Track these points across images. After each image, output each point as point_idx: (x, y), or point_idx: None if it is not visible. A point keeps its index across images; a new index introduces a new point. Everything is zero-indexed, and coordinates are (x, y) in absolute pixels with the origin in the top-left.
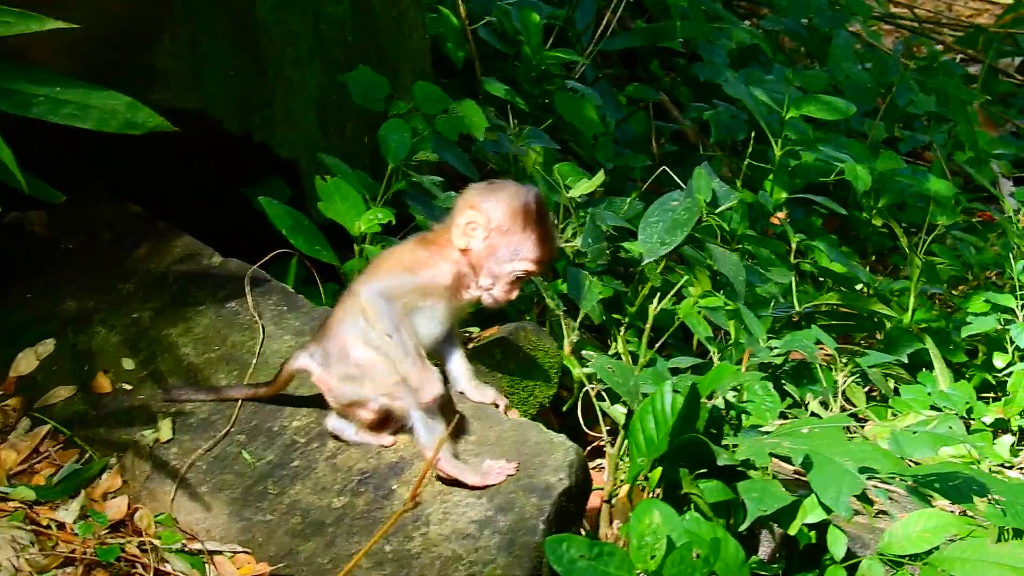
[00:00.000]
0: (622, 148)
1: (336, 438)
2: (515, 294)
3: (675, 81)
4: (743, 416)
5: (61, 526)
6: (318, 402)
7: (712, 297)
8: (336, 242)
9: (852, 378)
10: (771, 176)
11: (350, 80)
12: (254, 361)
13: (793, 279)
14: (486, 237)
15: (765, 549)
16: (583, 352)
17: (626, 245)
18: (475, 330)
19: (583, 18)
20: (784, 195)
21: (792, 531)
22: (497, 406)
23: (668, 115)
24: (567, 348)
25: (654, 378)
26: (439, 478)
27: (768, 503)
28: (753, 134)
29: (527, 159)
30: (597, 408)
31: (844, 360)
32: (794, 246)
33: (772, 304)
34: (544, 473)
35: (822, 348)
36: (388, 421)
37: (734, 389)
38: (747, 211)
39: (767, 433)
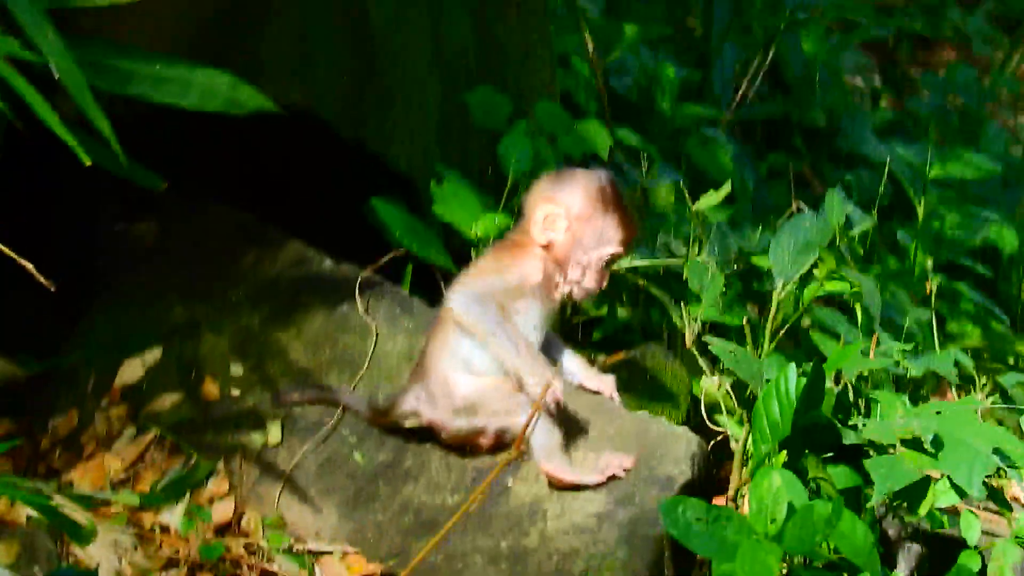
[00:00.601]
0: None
1: None
2: (605, 282)
3: (816, 155)
4: (872, 404)
5: (165, 529)
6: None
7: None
8: (450, 250)
9: (991, 398)
10: (914, 242)
11: (472, 99)
12: (366, 362)
13: (932, 316)
14: (568, 227)
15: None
16: (703, 338)
17: (755, 260)
18: (601, 356)
19: (720, 82)
20: (930, 261)
21: (922, 511)
22: (613, 399)
23: (808, 185)
24: (688, 339)
25: (778, 362)
26: (557, 488)
27: (897, 479)
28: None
29: (657, 191)
30: (721, 402)
31: (983, 381)
32: (933, 287)
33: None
34: (665, 465)
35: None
36: (504, 441)
37: (861, 377)
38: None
39: None
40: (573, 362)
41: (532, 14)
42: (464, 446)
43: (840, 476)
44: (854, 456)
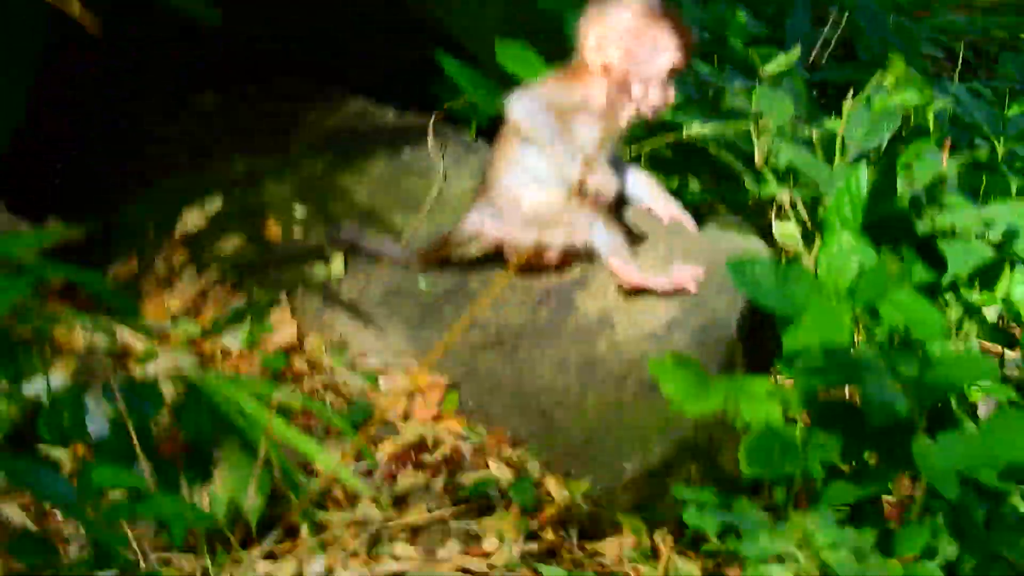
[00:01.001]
0: None
1: None
2: (672, 94)
3: None
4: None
5: (227, 354)
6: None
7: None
8: None
9: None
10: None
11: None
12: (431, 198)
13: None
14: (620, 45)
15: None
16: (774, 144)
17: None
18: None
19: (793, 39)
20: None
21: (998, 292)
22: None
23: None
24: (758, 156)
25: (848, 167)
26: (624, 290)
27: (972, 258)
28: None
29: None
30: (793, 219)
31: None
32: None
33: None
34: None
35: None
36: (573, 257)
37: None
38: None
39: None
40: (639, 183)
41: None
42: (531, 264)
43: (916, 270)
44: (929, 252)
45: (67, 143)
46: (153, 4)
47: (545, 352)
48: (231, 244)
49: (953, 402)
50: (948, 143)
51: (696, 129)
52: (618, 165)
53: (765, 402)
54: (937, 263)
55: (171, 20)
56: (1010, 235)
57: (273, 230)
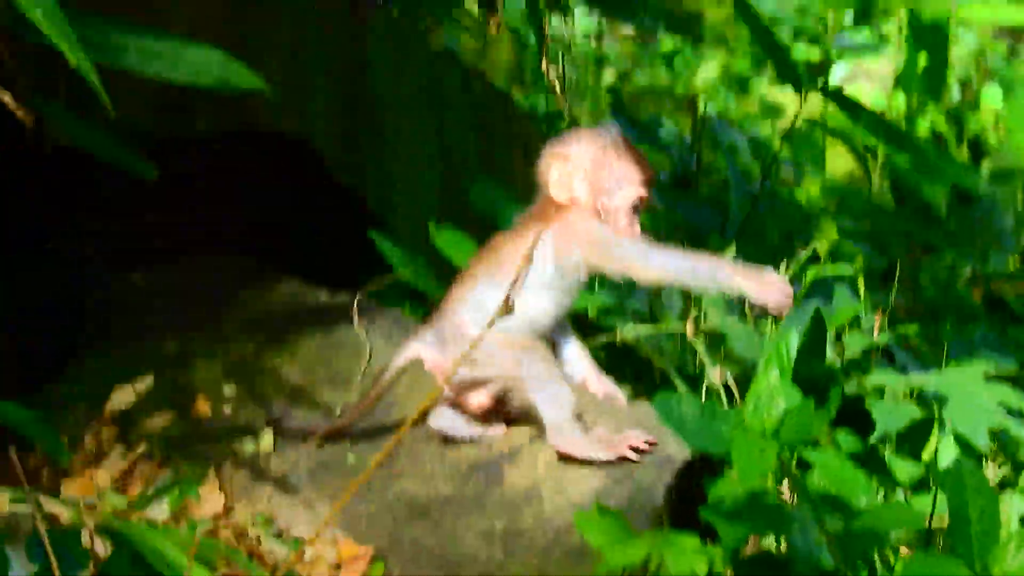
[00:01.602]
0: None
1: (445, 439)
2: (637, 227)
3: None
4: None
5: (152, 524)
6: None
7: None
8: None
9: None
10: None
11: (472, 189)
12: (359, 377)
13: None
14: (583, 178)
15: None
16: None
17: None
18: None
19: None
20: None
21: (925, 456)
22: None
23: None
24: (689, 329)
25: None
26: (563, 458)
27: (899, 419)
28: None
29: None
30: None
31: None
32: None
33: None
34: (666, 447)
35: None
36: (500, 408)
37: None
38: None
39: None
40: (575, 354)
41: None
42: (465, 405)
43: (845, 440)
44: (858, 420)
45: None
46: (87, 173)
47: (471, 523)
48: (160, 421)
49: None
50: (879, 314)
51: (629, 333)
52: (564, 328)
53: (691, 556)
54: (863, 424)
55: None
56: (939, 401)
57: (202, 408)
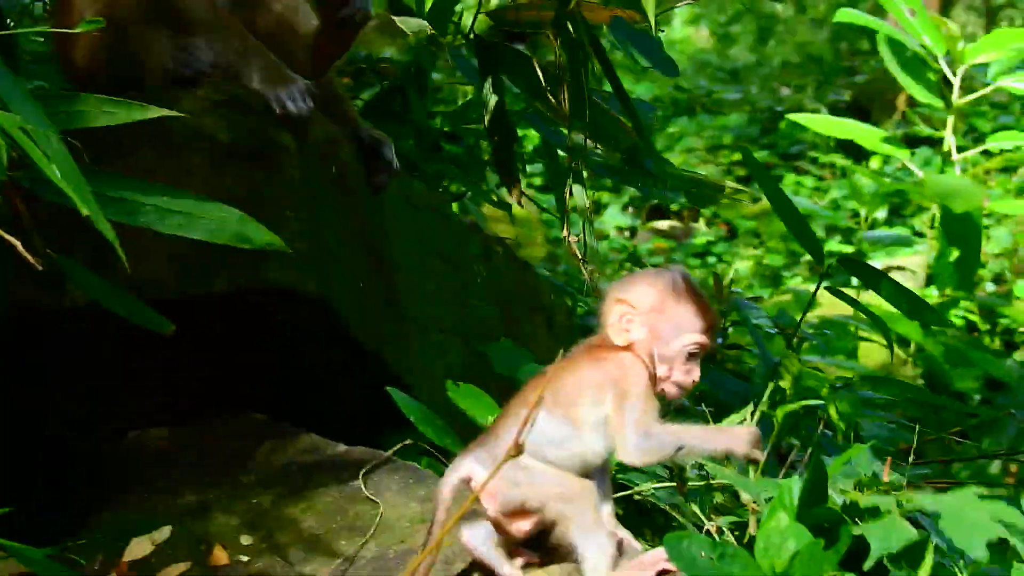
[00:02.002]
0: None
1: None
2: (696, 374)
3: None
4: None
5: None
6: None
7: None
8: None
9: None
10: None
11: (492, 351)
12: (375, 525)
13: None
14: (643, 323)
15: None
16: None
17: None
18: None
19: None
20: None
21: (922, 574)
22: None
23: None
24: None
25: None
26: None
27: (895, 539)
28: None
29: None
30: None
31: None
32: None
33: None
34: None
35: None
36: (537, 539)
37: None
38: None
39: None
40: (608, 508)
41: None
42: (506, 527)
43: None
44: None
45: (16, 472)
46: (112, 331)
47: None
48: (177, 571)
49: None
50: (889, 461)
51: (647, 488)
52: (604, 472)
53: None
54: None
55: (127, 351)
56: (937, 517)
57: (220, 557)
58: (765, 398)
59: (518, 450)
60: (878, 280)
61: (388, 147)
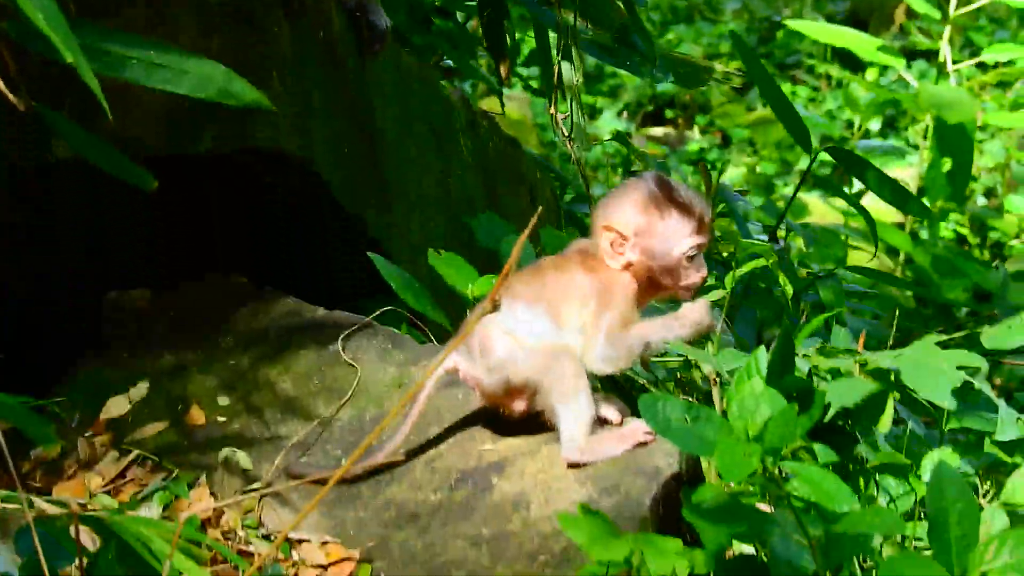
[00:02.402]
0: None
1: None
2: (703, 270)
3: None
4: None
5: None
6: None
7: None
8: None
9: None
10: None
11: (475, 223)
12: (352, 388)
13: None
14: (634, 245)
15: None
16: None
17: None
18: None
19: None
20: None
21: (883, 428)
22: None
23: None
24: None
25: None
26: (572, 466)
27: (853, 394)
28: None
29: None
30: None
31: None
32: None
33: None
34: (654, 458)
35: None
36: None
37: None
38: None
39: None
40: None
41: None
42: (500, 408)
43: (823, 452)
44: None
45: None
46: (93, 191)
47: (459, 528)
48: (154, 429)
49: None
50: (863, 336)
51: None
52: None
53: (672, 557)
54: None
55: (109, 210)
56: (899, 372)
57: (196, 417)
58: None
59: (494, 306)
60: (864, 169)
61: (380, 16)
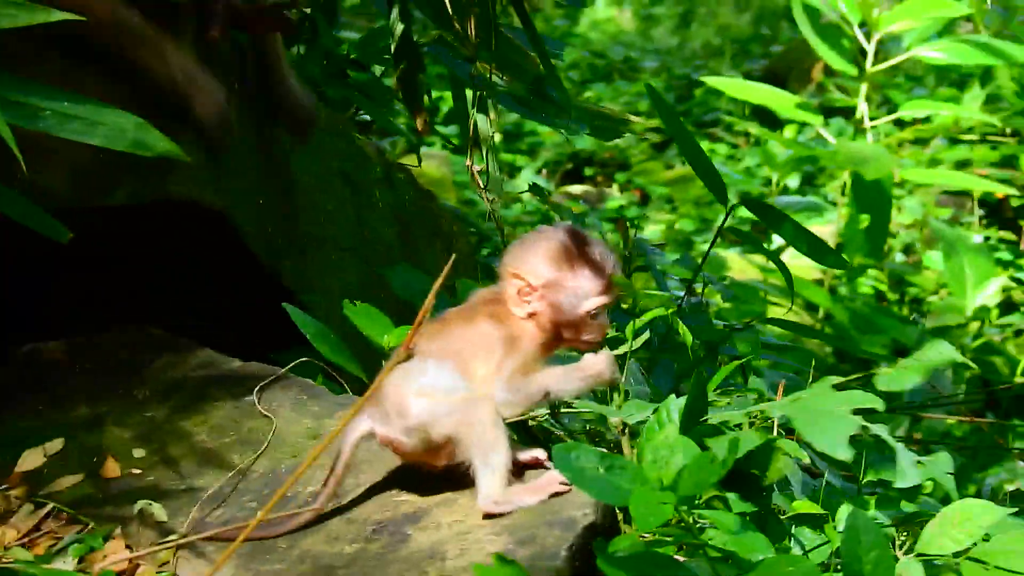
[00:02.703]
0: None
1: None
2: (605, 325)
3: None
4: None
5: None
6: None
7: None
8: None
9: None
10: None
11: (391, 273)
12: (268, 439)
13: None
14: (541, 297)
15: None
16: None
17: None
18: None
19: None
20: None
21: (772, 478)
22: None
23: None
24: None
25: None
26: (488, 516)
27: (740, 448)
28: None
29: None
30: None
31: None
32: None
33: None
34: (569, 509)
35: None
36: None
37: None
38: None
39: None
40: None
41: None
42: (421, 463)
43: (736, 503)
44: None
45: None
46: (6, 241)
47: None
48: (69, 481)
49: None
50: (782, 385)
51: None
52: None
53: None
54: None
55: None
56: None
57: (112, 469)
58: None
59: (408, 355)
60: (781, 221)
61: (307, 96)
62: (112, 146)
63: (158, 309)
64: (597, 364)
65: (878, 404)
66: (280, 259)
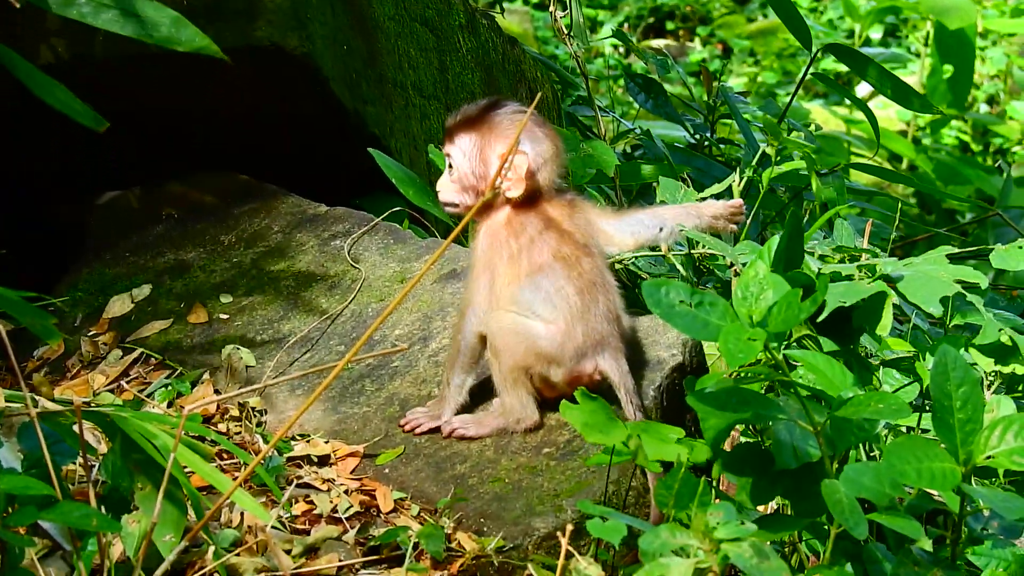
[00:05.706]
0: None
1: None
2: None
3: None
4: None
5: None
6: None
7: None
8: None
9: None
10: None
11: None
12: (357, 286)
13: None
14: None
15: None
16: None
17: None
18: None
19: None
20: None
21: (882, 331)
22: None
23: None
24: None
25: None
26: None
27: (852, 295)
28: None
29: None
30: None
31: None
32: None
33: None
34: (656, 349)
35: None
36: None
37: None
38: None
39: None
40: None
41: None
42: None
43: (827, 343)
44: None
45: None
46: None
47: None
48: (157, 327)
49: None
50: (869, 224)
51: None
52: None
53: (672, 444)
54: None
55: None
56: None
57: (199, 315)
58: (752, 163)
59: (494, 193)
60: (864, 65)
61: None
62: (142, 38)
63: (245, 157)
64: (716, 206)
65: (982, 280)
66: (364, 104)
